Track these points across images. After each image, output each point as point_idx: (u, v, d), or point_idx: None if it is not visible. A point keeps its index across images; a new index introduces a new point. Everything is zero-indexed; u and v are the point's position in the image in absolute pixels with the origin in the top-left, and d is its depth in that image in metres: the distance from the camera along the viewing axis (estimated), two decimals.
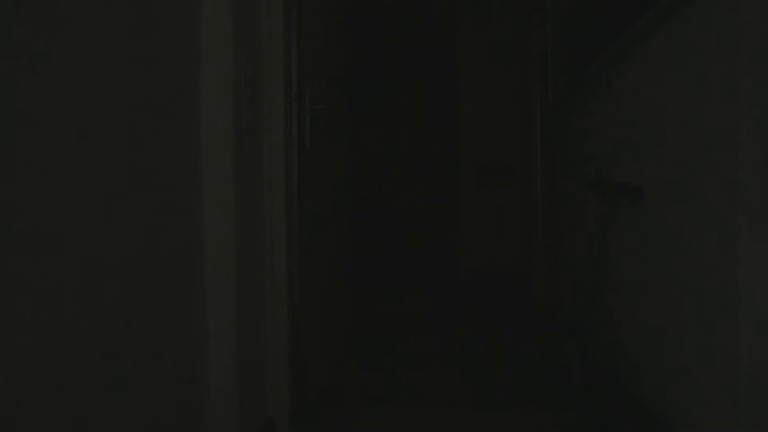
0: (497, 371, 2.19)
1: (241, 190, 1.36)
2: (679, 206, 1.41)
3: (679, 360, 1.42)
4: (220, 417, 1.33)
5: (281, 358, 1.60)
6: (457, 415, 1.74)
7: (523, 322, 3.04)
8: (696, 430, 1.32)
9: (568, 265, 2.70)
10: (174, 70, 1.17)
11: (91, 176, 0.89)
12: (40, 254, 0.77)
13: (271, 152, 1.58)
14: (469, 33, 4.33)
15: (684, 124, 1.38)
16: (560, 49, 2.80)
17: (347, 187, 2.54)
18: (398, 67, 6.86)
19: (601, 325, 2.11)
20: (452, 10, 4.81)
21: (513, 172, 4.28)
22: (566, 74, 2.69)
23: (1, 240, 0.70)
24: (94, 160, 0.90)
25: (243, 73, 1.37)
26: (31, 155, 0.76)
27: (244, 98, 1.38)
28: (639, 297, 1.71)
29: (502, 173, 4.30)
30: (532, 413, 1.76)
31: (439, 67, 6.87)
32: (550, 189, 3.34)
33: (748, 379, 1.12)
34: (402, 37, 5.95)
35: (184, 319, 1.21)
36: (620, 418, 1.57)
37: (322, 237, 2.02)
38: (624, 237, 1.84)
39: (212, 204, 1.32)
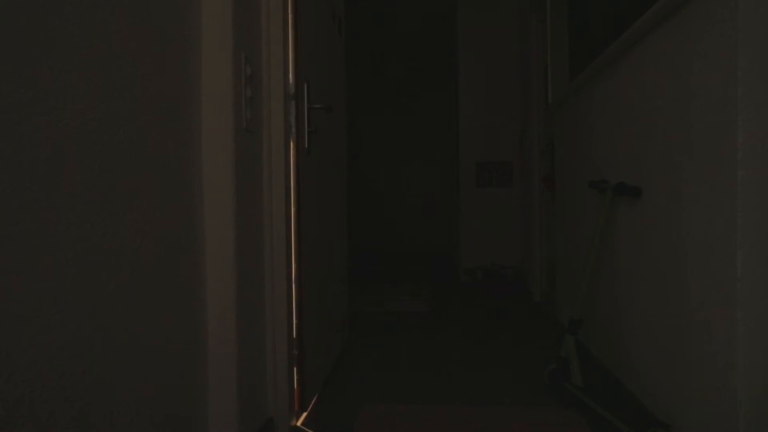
0: (496, 370, 2.20)
1: (241, 189, 1.36)
2: (678, 206, 1.42)
3: (678, 359, 1.42)
4: (220, 416, 1.33)
5: (281, 357, 1.60)
6: (456, 412, 1.75)
7: (523, 321, 3.05)
8: (696, 429, 1.32)
9: (567, 264, 2.71)
10: (173, 69, 1.17)
11: (90, 177, 0.89)
12: (39, 254, 0.77)
13: (271, 152, 1.58)
14: (469, 32, 4.33)
15: (683, 124, 1.38)
16: (560, 49, 2.80)
17: (347, 186, 2.54)
18: (398, 66, 6.87)
19: (600, 325, 2.11)
20: (452, 9, 4.81)
21: (512, 171, 4.29)
22: (566, 74, 2.69)
23: (5, 241, 0.71)
24: (93, 161, 0.90)
25: (242, 72, 1.37)
26: (32, 155, 0.76)
27: (244, 97, 1.38)
28: (638, 296, 1.71)
29: (501, 173, 4.30)
30: (533, 412, 1.76)
31: (438, 66, 6.88)
32: (550, 188, 3.34)
33: (746, 379, 1.12)
34: (402, 35, 5.95)
35: (184, 318, 1.21)
36: (620, 417, 1.57)
37: (321, 236, 2.02)
38: (623, 236, 1.84)
39: (213, 203, 1.32)
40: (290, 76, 1.68)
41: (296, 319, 1.75)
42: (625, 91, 1.83)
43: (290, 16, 1.70)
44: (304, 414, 1.79)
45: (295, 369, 1.72)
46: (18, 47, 0.74)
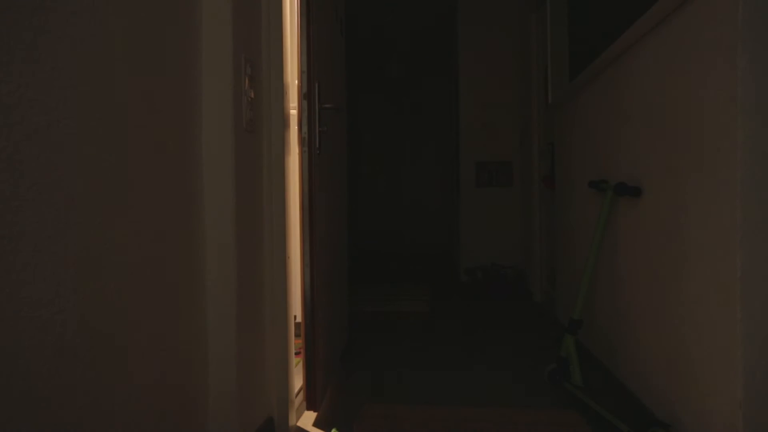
0: (495, 372, 2.20)
1: (241, 188, 1.36)
2: (678, 205, 1.42)
3: (678, 359, 1.42)
4: (219, 414, 1.33)
5: (281, 356, 1.60)
6: (456, 412, 1.75)
7: (523, 321, 3.05)
8: (696, 429, 1.32)
9: (567, 264, 2.71)
10: (173, 69, 1.17)
11: (91, 178, 0.89)
12: (39, 254, 0.77)
13: (272, 151, 1.58)
14: (469, 32, 4.33)
15: (683, 124, 1.38)
16: (560, 49, 2.80)
17: (348, 186, 2.54)
18: (398, 66, 6.87)
19: (600, 325, 2.11)
20: (452, 9, 4.81)
21: (512, 171, 4.29)
22: (566, 74, 2.69)
23: (4, 241, 0.71)
24: (94, 162, 0.90)
25: (243, 72, 1.37)
26: (32, 154, 0.76)
27: (244, 97, 1.38)
28: (638, 296, 1.71)
29: (501, 173, 4.30)
30: (533, 412, 1.76)
31: (438, 67, 6.88)
32: (550, 188, 3.34)
33: (746, 379, 1.12)
34: (402, 35, 5.95)
35: (185, 317, 1.21)
36: (620, 417, 1.57)
37: (327, 235, 2.02)
38: (623, 236, 1.84)
39: (213, 202, 1.32)
40: (294, 75, 1.68)
41: (306, 318, 1.75)
42: (625, 90, 1.83)
43: (304, 18, 1.70)
44: (315, 414, 1.78)
45: (302, 369, 1.72)
46: (18, 47, 0.74)
